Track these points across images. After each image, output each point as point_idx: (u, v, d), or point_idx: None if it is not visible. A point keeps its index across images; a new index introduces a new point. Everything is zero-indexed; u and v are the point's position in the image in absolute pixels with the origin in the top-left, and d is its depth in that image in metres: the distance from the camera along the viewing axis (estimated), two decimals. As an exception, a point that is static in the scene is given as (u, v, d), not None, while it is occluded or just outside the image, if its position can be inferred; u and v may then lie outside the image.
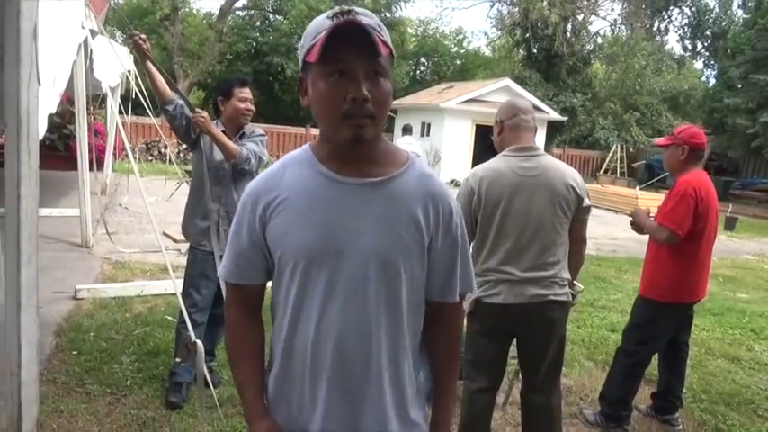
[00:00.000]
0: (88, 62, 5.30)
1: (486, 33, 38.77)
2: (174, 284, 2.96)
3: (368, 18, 1.10)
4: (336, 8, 1.11)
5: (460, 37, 32.05)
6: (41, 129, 2.45)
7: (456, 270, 1.27)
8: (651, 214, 3.10)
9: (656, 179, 15.90)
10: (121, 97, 8.43)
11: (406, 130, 9.97)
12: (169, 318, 3.97)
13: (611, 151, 20.83)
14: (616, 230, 9.95)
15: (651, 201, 10.91)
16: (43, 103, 2.46)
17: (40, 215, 2.47)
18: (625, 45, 24.09)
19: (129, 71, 6.37)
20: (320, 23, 1.11)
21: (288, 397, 1.24)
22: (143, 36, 2.81)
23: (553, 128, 20.36)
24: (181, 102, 2.95)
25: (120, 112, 7.89)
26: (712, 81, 26.29)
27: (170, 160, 12.17)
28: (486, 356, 2.44)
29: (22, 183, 2.27)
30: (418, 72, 30.21)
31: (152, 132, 15.27)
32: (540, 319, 2.32)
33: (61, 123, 9.92)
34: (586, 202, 2.39)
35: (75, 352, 3.46)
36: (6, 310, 2.34)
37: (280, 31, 22.76)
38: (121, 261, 5.62)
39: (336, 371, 1.17)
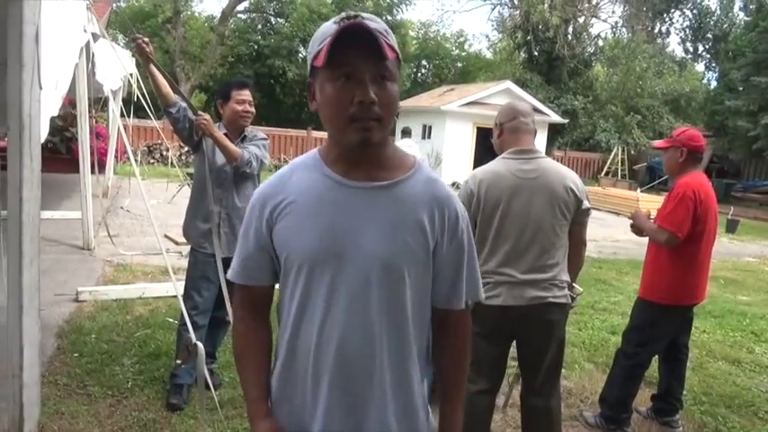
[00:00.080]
0: (90, 65, 5.32)
1: (487, 36, 38.92)
2: (174, 287, 2.97)
3: (374, 23, 1.11)
4: (343, 14, 1.12)
5: (462, 40, 32.12)
6: (43, 132, 2.46)
7: (462, 275, 1.26)
8: (651, 216, 3.11)
9: (657, 181, 15.86)
10: (123, 100, 8.47)
11: (406, 132, 9.99)
12: (170, 320, 3.98)
13: (613, 153, 20.83)
14: (617, 233, 9.93)
15: (652, 203, 10.88)
16: (45, 107, 2.48)
17: (42, 218, 2.48)
18: (626, 47, 24.11)
19: (131, 74, 6.39)
20: (327, 29, 1.12)
21: (290, 397, 1.24)
22: (146, 39, 2.82)
23: (554, 130, 20.35)
24: (184, 104, 2.96)
25: (122, 115, 7.93)
26: (713, 83, 26.31)
27: (172, 163, 12.21)
28: (486, 358, 2.45)
29: (24, 185, 2.28)
30: (419, 74, 30.25)
31: (154, 135, 15.31)
32: (540, 322, 2.33)
33: (63, 126, 9.94)
34: (586, 204, 2.40)
35: (76, 354, 3.47)
36: (8, 313, 2.35)
37: (281, 34, 22.82)
38: (123, 263, 5.63)
39: (338, 373, 1.17)
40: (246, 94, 2.98)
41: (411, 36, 29.83)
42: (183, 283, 3.10)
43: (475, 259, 1.31)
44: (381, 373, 1.19)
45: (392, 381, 1.20)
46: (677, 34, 38.56)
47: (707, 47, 28.89)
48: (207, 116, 2.89)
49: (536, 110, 16.49)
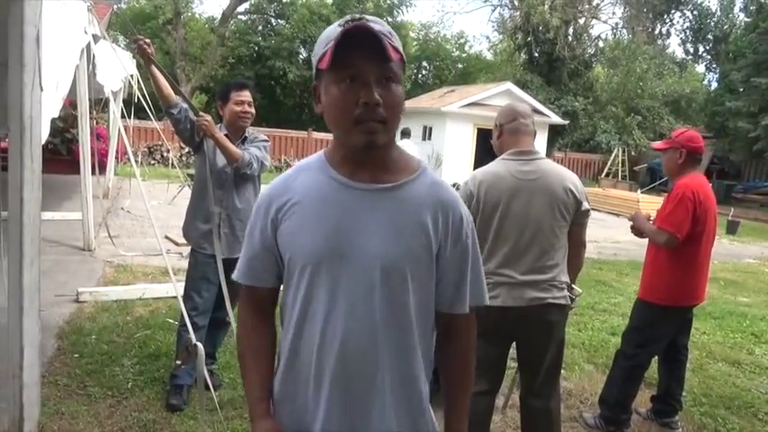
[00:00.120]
0: (91, 67, 5.33)
1: (487, 37, 38.90)
2: (175, 288, 2.98)
3: (379, 25, 1.11)
4: (348, 16, 1.12)
5: (462, 41, 32.13)
6: (44, 133, 2.47)
7: (466, 279, 1.26)
8: (651, 218, 3.11)
9: (657, 182, 15.87)
10: (124, 101, 8.47)
11: (405, 133, 10.00)
12: (170, 321, 3.98)
13: (613, 155, 20.82)
14: (617, 234, 9.93)
15: (653, 204, 10.89)
16: (46, 108, 2.49)
17: (43, 219, 2.49)
18: (626, 49, 24.13)
19: (132, 75, 6.39)
20: (331, 31, 1.12)
21: (292, 397, 1.25)
22: (147, 40, 2.82)
23: (555, 131, 20.35)
24: (185, 105, 2.96)
25: (123, 116, 7.93)
26: (714, 84, 26.33)
27: (172, 164, 12.21)
28: (486, 359, 2.44)
29: (24, 186, 2.29)
30: (420, 76, 30.25)
31: (154, 136, 15.32)
32: (539, 322, 2.33)
33: (64, 127, 9.96)
34: (585, 205, 2.40)
35: (76, 355, 3.48)
36: (9, 313, 2.36)
37: (282, 35, 22.85)
38: (123, 264, 5.64)
39: (340, 373, 1.18)
40: (245, 95, 2.98)
41: (411, 37, 29.84)
42: (183, 284, 3.11)
43: (480, 264, 1.30)
44: (383, 374, 1.19)
45: (395, 382, 1.20)
46: (677, 35, 38.65)
47: (707, 48, 28.93)
48: (208, 117, 2.89)
49: (536, 111, 16.50)
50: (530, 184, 2.31)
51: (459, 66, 31.11)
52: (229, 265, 2.97)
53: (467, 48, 32.41)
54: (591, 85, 23.66)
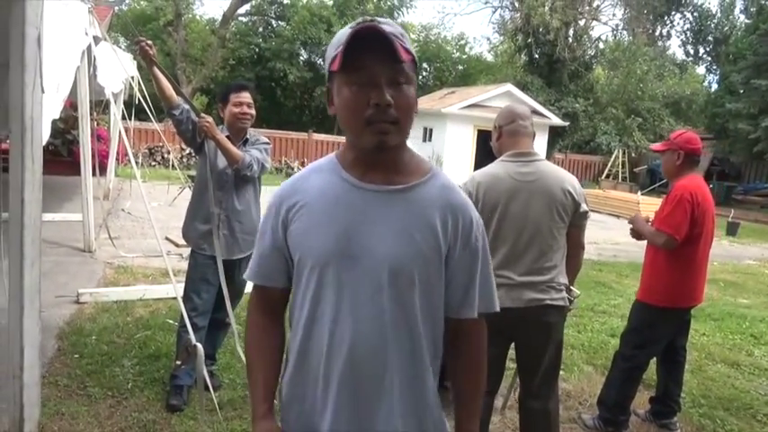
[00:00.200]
0: (91, 68, 5.34)
1: (488, 39, 38.72)
2: (175, 289, 2.99)
3: (390, 26, 1.12)
4: (360, 18, 1.13)
5: (462, 42, 32.11)
6: (45, 134, 2.48)
7: (475, 283, 1.25)
8: (650, 220, 3.12)
9: (657, 184, 15.87)
10: (124, 103, 8.49)
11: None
12: (170, 321, 3.99)
13: (613, 156, 20.82)
14: (617, 235, 9.93)
15: (653, 206, 10.83)
16: (47, 109, 2.49)
17: (44, 220, 2.49)
18: (627, 50, 24.13)
19: (133, 77, 6.41)
20: (343, 34, 1.13)
21: (301, 399, 1.25)
22: (149, 42, 2.83)
23: (555, 133, 20.35)
24: (187, 107, 2.97)
25: (123, 118, 7.95)
26: (714, 86, 26.33)
27: (173, 165, 12.21)
28: (485, 360, 2.46)
29: (25, 188, 2.30)
30: (420, 77, 30.18)
31: (155, 137, 15.32)
32: (537, 324, 2.34)
33: (65, 129, 9.97)
34: (584, 207, 2.41)
35: (76, 355, 3.48)
36: (9, 314, 2.37)
37: (282, 36, 22.85)
38: (123, 265, 5.64)
39: (349, 374, 1.18)
40: (244, 97, 2.99)
41: (412, 39, 29.62)
42: (182, 284, 3.12)
43: (490, 269, 1.29)
44: (392, 376, 1.19)
45: (402, 383, 1.20)
46: (678, 37, 38.52)
47: (707, 49, 28.93)
48: (209, 118, 2.90)
49: (537, 112, 16.52)
50: (528, 186, 2.32)
51: (460, 67, 31.10)
52: (228, 266, 2.99)
53: (467, 49, 32.42)
54: (591, 87, 23.65)
